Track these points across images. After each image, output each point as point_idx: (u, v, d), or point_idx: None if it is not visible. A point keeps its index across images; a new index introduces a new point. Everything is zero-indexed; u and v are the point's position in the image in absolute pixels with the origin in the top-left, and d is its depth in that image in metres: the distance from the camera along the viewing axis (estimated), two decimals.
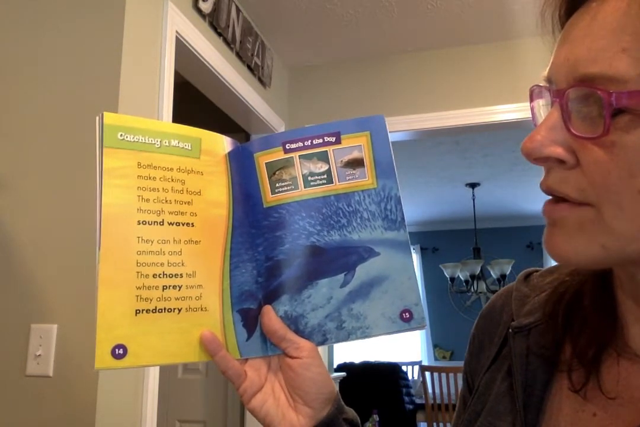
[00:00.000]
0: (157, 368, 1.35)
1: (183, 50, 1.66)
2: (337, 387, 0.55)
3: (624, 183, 0.34)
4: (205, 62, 1.78)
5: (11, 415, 1.19)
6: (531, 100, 0.42)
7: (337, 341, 0.51)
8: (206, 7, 1.78)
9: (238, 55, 2.05)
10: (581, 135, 0.35)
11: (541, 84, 0.40)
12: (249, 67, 2.13)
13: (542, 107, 0.42)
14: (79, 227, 1.24)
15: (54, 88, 1.34)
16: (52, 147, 1.31)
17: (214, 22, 1.84)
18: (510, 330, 0.48)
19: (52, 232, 1.27)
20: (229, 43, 1.96)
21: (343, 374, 3.01)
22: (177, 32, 1.59)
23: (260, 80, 2.24)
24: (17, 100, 1.36)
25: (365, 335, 0.51)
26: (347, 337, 0.51)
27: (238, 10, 2.02)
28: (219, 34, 1.89)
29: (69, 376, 1.19)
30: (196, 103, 2.10)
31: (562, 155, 0.37)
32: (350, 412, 0.54)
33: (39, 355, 1.19)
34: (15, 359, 1.21)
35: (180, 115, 1.52)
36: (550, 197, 0.40)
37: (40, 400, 1.19)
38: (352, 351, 5.72)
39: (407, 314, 0.51)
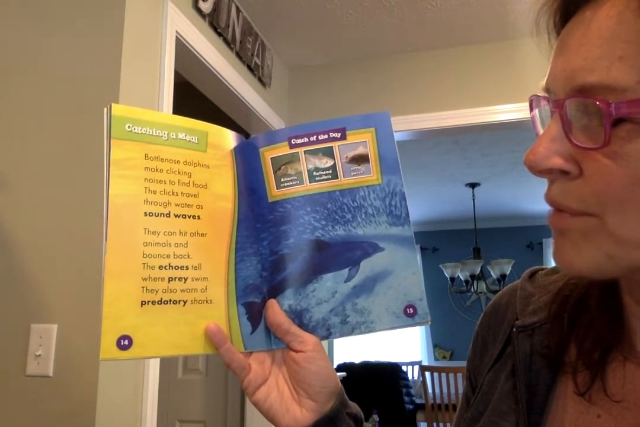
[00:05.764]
0: (157, 368, 1.35)
1: (183, 50, 1.66)
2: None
3: (627, 192, 0.34)
4: (205, 62, 1.78)
5: (11, 415, 1.19)
6: (531, 109, 0.42)
7: (341, 336, 0.51)
8: (206, 7, 1.79)
9: (238, 55, 2.05)
10: (583, 145, 0.35)
11: (540, 94, 0.40)
12: (249, 67, 2.13)
13: (542, 117, 0.42)
14: (80, 227, 1.24)
15: (54, 88, 1.34)
16: (52, 146, 1.31)
17: (214, 22, 1.84)
18: (514, 329, 0.48)
19: (53, 232, 1.27)
20: (229, 43, 1.96)
21: (343, 374, 3.01)
22: (177, 32, 1.59)
23: (260, 80, 2.24)
24: (18, 99, 1.36)
25: (369, 330, 0.51)
26: (351, 331, 0.51)
27: (238, 10, 2.02)
28: (219, 34, 1.89)
29: (69, 375, 1.18)
30: (196, 103, 2.10)
31: (565, 166, 0.37)
32: (354, 407, 0.54)
33: (39, 355, 1.19)
34: (15, 359, 1.21)
35: (180, 115, 1.52)
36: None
37: (40, 400, 1.18)
38: (352, 351, 5.71)
39: (411, 309, 0.51)
